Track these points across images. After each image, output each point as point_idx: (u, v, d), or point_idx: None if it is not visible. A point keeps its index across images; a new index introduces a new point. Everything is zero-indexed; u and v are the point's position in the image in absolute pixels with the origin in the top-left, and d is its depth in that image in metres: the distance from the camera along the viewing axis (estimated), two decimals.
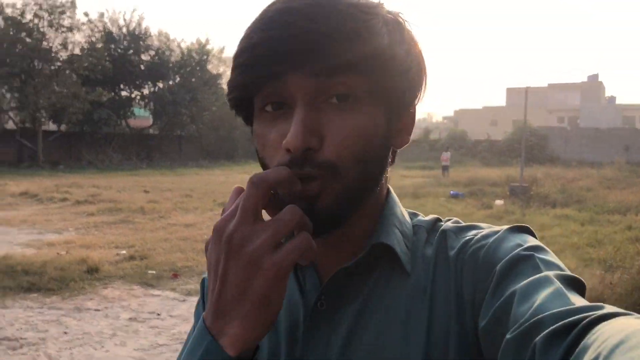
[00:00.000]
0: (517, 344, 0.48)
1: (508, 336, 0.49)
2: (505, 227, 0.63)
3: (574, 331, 0.44)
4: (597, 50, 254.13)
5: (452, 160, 24.50)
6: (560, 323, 0.45)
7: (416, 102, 0.65)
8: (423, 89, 0.65)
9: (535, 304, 0.49)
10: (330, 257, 0.66)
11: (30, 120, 29.34)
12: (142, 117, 38.26)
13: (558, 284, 0.51)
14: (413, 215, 0.71)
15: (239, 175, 22.50)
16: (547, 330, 0.45)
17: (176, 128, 34.81)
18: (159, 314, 5.34)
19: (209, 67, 36.11)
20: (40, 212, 12.09)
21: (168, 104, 33.04)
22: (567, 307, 0.47)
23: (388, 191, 0.70)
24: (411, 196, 15.25)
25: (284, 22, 0.56)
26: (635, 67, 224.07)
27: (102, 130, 31.42)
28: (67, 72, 29.23)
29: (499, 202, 14.49)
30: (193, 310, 0.75)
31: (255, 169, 0.62)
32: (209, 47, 36.10)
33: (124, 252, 7.95)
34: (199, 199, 14.34)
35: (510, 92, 57.10)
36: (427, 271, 0.63)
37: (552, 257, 0.57)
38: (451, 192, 16.36)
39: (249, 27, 0.60)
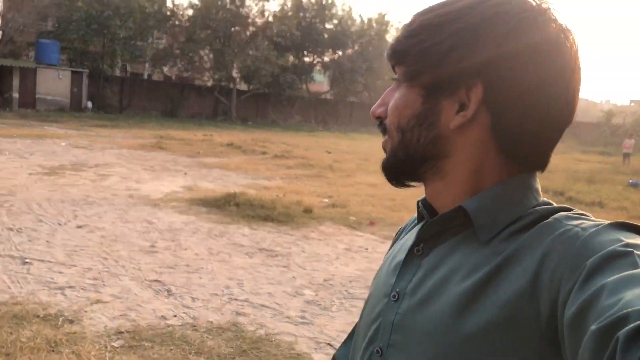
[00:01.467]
0: (600, 336, 0.47)
1: (593, 327, 0.48)
2: (609, 221, 0.61)
3: None
4: None
5: (636, 148, 23.11)
6: None
7: (455, 94, 0.68)
8: (461, 83, 0.67)
9: (625, 299, 0.48)
10: (439, 212, 0.75)
11: (226, 80, 33.29)
12: (319, 82, 41.02)
13: None
14: (544, 204, 0.70)
15: None
16: (632, 325, 0.44)
17: (350, 95, 36.98)
18: (366, 249, 6.79)
19: (387, 37, 37.44)
20: (248, 162, 14.44)
21: (346, 72, 35.30)
22: None
23: (513, 177, 0.70)
24: (586, 181, 15.19)
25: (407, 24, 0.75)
26: None
27: (285, 92, 34.55)
28: (261, 37, 32.45)
29: None
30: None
31: None
32: (387, 18, 37.41)
33: (325, 200, 9.62)
34: (376, 163, 15.76)
35: None
36: (508, 248, 0.64)
37: None
38: (630, 180, 15.89)
39: None
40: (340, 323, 4.40)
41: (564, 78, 0.66)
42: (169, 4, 33.07)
